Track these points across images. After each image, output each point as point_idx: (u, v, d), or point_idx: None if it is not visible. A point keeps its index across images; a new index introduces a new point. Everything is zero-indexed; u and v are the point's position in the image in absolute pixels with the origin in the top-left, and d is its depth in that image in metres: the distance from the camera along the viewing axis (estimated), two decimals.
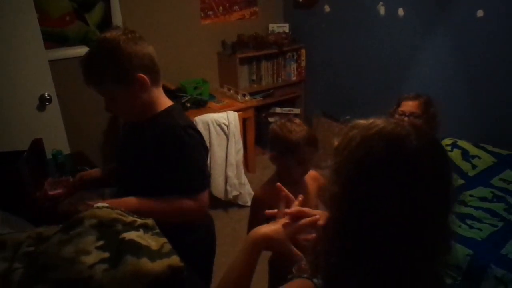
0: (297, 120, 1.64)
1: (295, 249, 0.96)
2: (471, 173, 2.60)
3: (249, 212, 1.74)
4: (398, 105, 2.29)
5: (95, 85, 1.33)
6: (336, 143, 0.76)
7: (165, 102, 1.46)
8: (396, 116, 2.19)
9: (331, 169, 0.75)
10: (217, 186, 3.34)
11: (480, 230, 2.09)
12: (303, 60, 4.23)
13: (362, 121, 0.75)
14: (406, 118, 2.17)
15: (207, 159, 1.56)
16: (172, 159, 1.36)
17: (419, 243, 0.68)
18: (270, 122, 4.21)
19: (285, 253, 0.95)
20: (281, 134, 1.60)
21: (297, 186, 1.66)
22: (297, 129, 1.58)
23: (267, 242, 0.95)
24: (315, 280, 0.79)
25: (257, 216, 1.68)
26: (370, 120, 0.74)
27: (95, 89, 1.35)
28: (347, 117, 0.82)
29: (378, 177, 0.68)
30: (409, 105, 2.23)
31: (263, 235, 0.96)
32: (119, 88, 1.32)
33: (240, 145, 3.46)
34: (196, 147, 1.41)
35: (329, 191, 0.74)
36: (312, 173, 1.71)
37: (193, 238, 1.54)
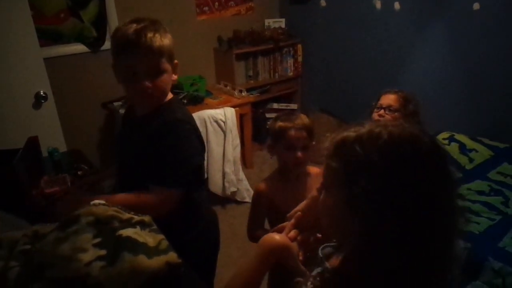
0: (300, 115, 1.67)
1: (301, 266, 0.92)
2: (468, 166, 2.60)
3: (250, 207, 1.75)
4: (378, 99, 2.23)
5: (162, 56, 1.32)
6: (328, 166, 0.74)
7: (170, 94, 1.48)
8: (375, 110, 2.14)
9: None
10: (215, 182, 3.34)
11: (478, 223, 2.10)
12: (299, 55, 4.22)
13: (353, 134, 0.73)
14: (382, 111, 2.12)
15: (202, 159, 1.51)
16: (157, 152, 1.35)
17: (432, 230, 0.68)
18: (267, 118, 4.21)
19: (293, 267, 0.91)
20: (272, 123, 1.67)
21: (299, 183, 1.66)
22: (289, 117, 1.63)
23: (284, 252, 0.90)
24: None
25: (259, 210, 1.70)
26: (362, 129, 0.73)
27: (157, 60, 1.32)
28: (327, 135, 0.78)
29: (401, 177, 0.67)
30: (386, 98, 2.17)
31: (282, 245, 0.90)
32: (169, 66, 1.36)
33: (237, 141, 3.45)
34: (183, 143, 1.38)
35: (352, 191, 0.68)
36: (315, 169, 1.70)
37: (193, 234, 1.53)
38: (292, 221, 0.96)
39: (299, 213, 0.99)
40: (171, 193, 1.36)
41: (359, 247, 0.69)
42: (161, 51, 1.31)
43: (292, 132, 1.58)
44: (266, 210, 1.69)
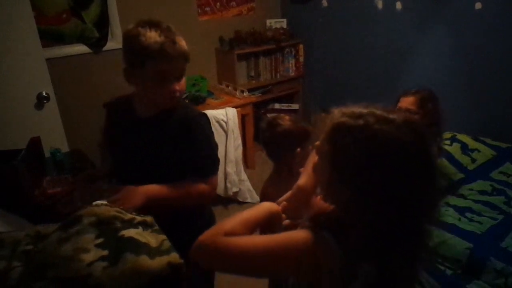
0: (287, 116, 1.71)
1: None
2: (471, 167, 2.59)
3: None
4: (397, 100, 2.30)
5: (187, 60, 1.44)
6: (325, 141, 0.88)
7: None
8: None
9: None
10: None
11: (480, 223, 2.09)
12: (301, 55, 4.21)
13: (350, 121, 0.85)
14: None
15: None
16: (190, 145, 1.46)
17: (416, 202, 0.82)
18: None
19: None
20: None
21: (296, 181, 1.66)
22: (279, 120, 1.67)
23: (277, 218, 1.01)
24: (325, 233, 0.87)
25: None
26: (360, 121, 0.84)
27: (184, 64, 1.43)
28: (323, 110, 0.95)
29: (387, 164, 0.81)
30: (405, 102, 2.27)
31: (277, 211, 1.02)
32: None
33: (239, 141, 3.45)
34: (211, 133, 1.56)
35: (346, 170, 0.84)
36: None
37: (194, 232, 1.53)
38: (279, 209, 1.04)
39: (284, 202, 1.07)
40: (216, 179, 1.54)
41: (344, 206, 0.86)
42: (187, 56, 1.42)
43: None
44: None
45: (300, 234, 0.88)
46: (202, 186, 1.47)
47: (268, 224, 0.99)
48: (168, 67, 1.36)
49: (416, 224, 0.84)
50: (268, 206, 1.02)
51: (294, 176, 1.65)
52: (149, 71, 1.35)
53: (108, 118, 1.66)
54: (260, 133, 1.72)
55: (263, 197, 1.70)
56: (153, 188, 1.40)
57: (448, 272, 1.99)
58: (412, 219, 0.83)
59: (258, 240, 0.87)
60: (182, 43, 1.39)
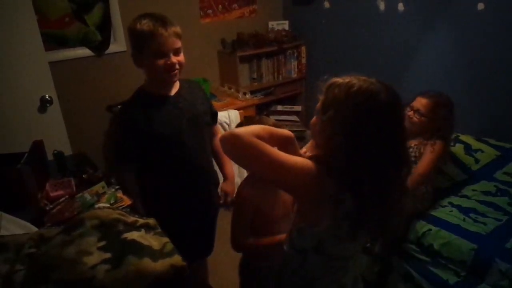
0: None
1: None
2: (474, 167, 2.58)
3: (233, 214, 1.62)
4: (413, 99, 2.34)
5: (179, 38, 1.71)
6: (321, 98, 1.09)
7: None
8: (408, 109, 2.29)
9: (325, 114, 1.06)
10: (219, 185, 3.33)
11: (484, 224, 2.08)
12: (303, 57, 4.21)
13: (340, 80, 1.07)
14: (411, 113, 2.29)
15: None
16: (206, 98, 1.99)
17: (389, 155, 1.03)
18: None
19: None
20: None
21: None
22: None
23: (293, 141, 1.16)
24: (317, 164, 1.05)
25: (245, 218, 1.59)
26: (347, 79, 1.06)
27: (178, 41, 1.70)
28: (325, 77, 1.11)
29: (362, 121, 1.01)
30: (419, 102, 2.31)
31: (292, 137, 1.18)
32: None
33: None
34: None
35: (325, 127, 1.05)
36: None
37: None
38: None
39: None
40: None
41: (332, 148, 1.03)
42: (179, 34, 1.71)
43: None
44: (250, 216, 1.59)
45: (309, 162, 1.05)
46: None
47: (283, 147, 1.13)
48: (162, 44, 1.64)
49: (383, 164, 1.03)
50: (287, 131, 1.17)
51: None
52: (148, 50, 1.65)
53: (133, 118, 1.72)
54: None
55: (239, 199, 1.64)
56: (231, 173, 2.07)
57: (451, 281, 1.98)
58: (382, 156, 1.02)
59: (279, 152, 1.03)
60: (173, 25, 1.69)
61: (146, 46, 1.64)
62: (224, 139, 1.05)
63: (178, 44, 1.69)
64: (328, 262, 1.16)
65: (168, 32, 1.64)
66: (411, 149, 2.27)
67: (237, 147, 1.02)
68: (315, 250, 1.13)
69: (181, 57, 1.71)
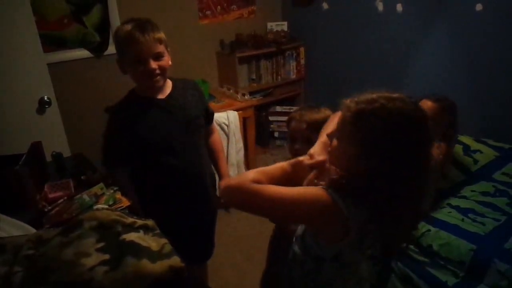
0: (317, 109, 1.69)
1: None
2: (473, 168, 2.58)
3: None
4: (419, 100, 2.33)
5: (160, 43, 1.65)
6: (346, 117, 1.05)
7: None
8: None
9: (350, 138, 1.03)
10: (219, 186, 3.33)
11: (483, 224, 2.08)
12: (302, 58, 4.22)
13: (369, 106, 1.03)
14: None
15: None
16: (202, 99, 1.91)
17: (411, 173, 1.01)
18: (271, 121, 4.21)
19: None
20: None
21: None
22: (301, 110, 1.70)
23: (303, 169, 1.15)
24: (330, 191, 1.03)
25: None
26: (375, 104, 1.03)
27: (157, 46, 1.64)
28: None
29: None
30: (424, 104, 2.28)
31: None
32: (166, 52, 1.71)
33: (241, 144, 3.45)
34: None
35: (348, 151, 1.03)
36: None
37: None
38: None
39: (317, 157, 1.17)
40: None
41: (358, 178, 1.01)
42: (159, 39, 1.64)
43: (293, 124, 1.66)
44: None
45: (320, 191, 1.03)
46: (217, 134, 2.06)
47: (291, 177, 1.13)
48: (139, 50, 1.59)
49: (410, 186, 1.02)
50: (281, 164, 1.16)
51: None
52: (127, 56, 1.63)
53: (120, 122, 1.72)
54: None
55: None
56: (225, 171, 2.07)
57: (450, 282, 1.98)
58: (410, 180, 1.01)
59: (284, 189, 1.01)
60: (154, 30, 1.63)
61: (125, 52, 1.63)
62: (226, 195, 1.05)
63: (158, 48, 1.63)
64: (343, 269, 1.15)
65: (146, 38, 1.58)
66: None
67: (242, 200, 1.02)
68: (332, 260, 1.12)
69: (162, 62, 1.66)
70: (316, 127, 1.58)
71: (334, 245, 1.08)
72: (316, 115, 1.62)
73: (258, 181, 1.03)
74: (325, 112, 1.62)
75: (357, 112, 1.03)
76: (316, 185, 1.09)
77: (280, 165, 1.16)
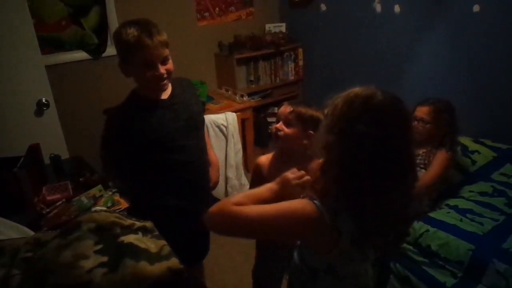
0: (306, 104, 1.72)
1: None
2: (471, 168, 2.59)
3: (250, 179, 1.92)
4: (414, 110, 2.37)
5: (166, 46, 1.64)
6: (325, 111, 1.09)
7: None
8: (414, 121, 2.30)
9: (325, 126, 1.05)
10: (218, 187, 3.33)
11: (482, 224, 2.08)
12: (300, 59, 4.22)
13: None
14: (416, 123, 2.31)
15: None
16: (198, 98, 1.96)
17: (392, 167, 0.99)
18: (269, 122, 4.20)
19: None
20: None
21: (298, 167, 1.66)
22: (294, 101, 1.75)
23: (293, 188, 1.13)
24: (315, 201, 1.02)
25: (257, 179, 1.78)
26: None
27: (164, 50, 1.63)
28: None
29: (359, 126, 0.98)
30: (420, 111, 2.34)
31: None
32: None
33: (239, 146, 3.45)
34: None
35: (324, 140, 1.03)
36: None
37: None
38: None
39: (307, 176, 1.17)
40: None
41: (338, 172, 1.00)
42: (165, 43, 1.63)
43: (281, 107, 1.71)
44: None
45: (304, 203, 1.02)
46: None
47: (281, 195, 1.11)
48: (149, 54, 1.58)
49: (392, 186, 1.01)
50: (269, 185, 1.15)
51: (295, 161, 1.66)
52: (135, 61, 1.60)
53: (123, 123, 1.70)
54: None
55: (255, 166, 1.84)
56: (215, 160, 2.18)
57: (449, 283, 1.98)
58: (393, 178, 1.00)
59: (268, 207, 1.00)
60: (159, 33, 1.60)
61: (132, 57, 1.60)
62: (207, 221, 1.03)
63: (165, 53, 1.64)
64: (340, 281, 1.14)
65: (154, 42, 1.58)
66: (419, 157, 2.30)
67: (223, 223, 1.01)
68: (325, 271, 1.12)
69: (169, 65, 1.67)
70: (301, 117, 1.63)
71: (325, 256, 1.07)
72: (305, 109, 1.64)
73: (240, 204, 1.01)
74: (316, 111, 1.63)
75: (329, 104, 1.11)
76: (303, 197, 1.08)
77: (268, 186, 1.15)
